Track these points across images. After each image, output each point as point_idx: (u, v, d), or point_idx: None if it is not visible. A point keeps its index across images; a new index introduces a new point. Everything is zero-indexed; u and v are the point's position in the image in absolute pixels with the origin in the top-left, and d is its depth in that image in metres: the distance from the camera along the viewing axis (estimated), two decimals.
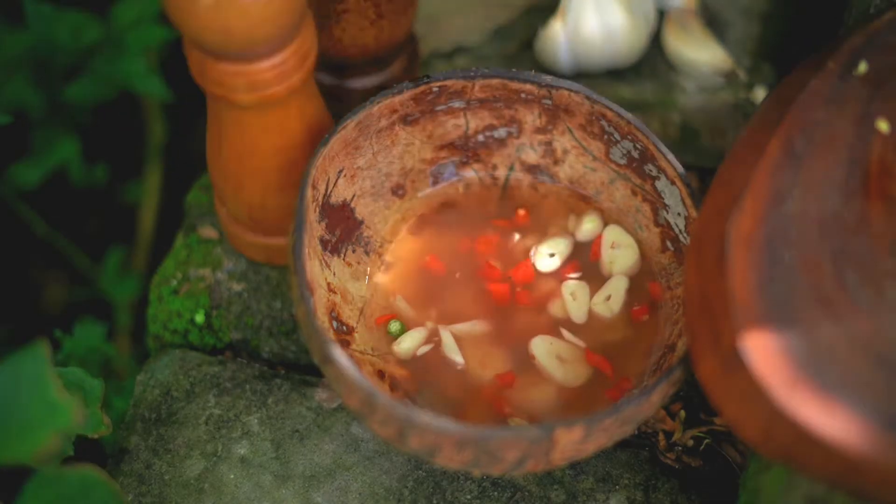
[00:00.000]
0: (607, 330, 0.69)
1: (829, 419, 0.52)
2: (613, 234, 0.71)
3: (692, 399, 0.72)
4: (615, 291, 0.70)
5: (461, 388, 0.67)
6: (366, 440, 0.70)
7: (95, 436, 0.66)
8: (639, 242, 0.71)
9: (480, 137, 0.73)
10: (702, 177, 0.79)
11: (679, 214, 0.68)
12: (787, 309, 0.54)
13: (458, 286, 0.71)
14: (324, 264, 0.67)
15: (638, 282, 0.70)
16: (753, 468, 0.65)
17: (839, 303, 0.55)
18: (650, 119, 0.82)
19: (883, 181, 0.58)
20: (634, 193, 0.71)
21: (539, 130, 0.72)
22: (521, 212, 0.73)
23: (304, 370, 0.76)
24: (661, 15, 0.86)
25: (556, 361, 0.68)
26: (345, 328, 0.67)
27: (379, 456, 0.70)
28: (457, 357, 0.68)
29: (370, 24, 0.73)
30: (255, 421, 0.71)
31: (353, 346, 0.67)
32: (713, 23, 0.86)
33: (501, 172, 0.74)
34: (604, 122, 0.70)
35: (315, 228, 0.67)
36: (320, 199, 0.67)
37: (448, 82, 0.70)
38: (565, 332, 0.69)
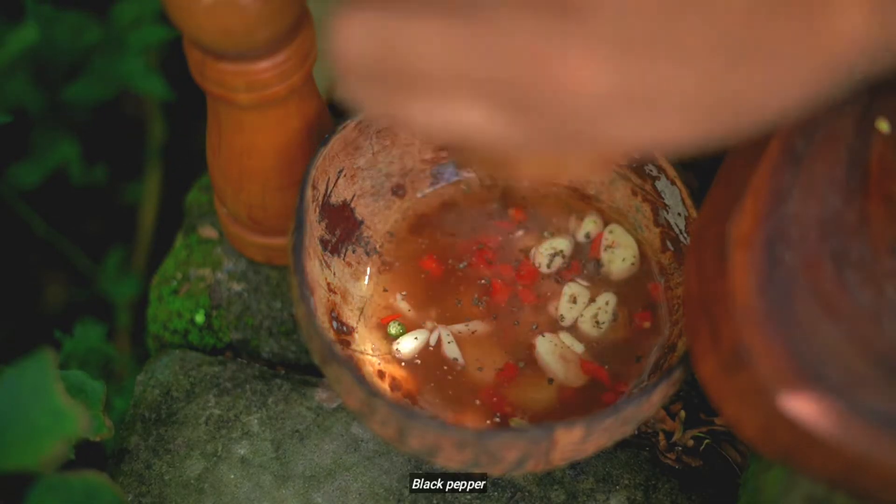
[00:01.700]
0: (607, 332, 0.69)
1: (828, 419, 0.52)
2: (613, 234, 0.71)
3: (692, 399, 0.72)
4: (613, 296, 0.69)
5: (461, 388, 0.67)
6: (366, 440, 0.70)
7: (97, 438, 0.66)
8: (639, 242, 0.71)
9: None
10: (702, 177, 0.79)
11: (679, 214, 0.68)
12: (788, 309, 0.54)
13: (458, 286, 0.71)
14: (324, 264, 0.67)
15: (638, 282, 0.70)
16: (753, 468, 0.65)
17: (839, 303, 0.55)
18: None
19: (883, 181, 0.58)
20: (634, 193, 0.71)
21: None
22: (521, 212, 0.73)
23: (304, 370, 0.76)
24: None
25: (560, 361, 0.67)
26: (345, 328, 0.67)
27: (379, 456, 0.70)
28: (457, 357, 0.68)
29: None
30: (255, 421, 0.71)
31: (353, 347, 0.67)
32: None
33: None
34: None
35: (315, 228, 0.67)
36: (320, 199, 0.67)
37: None
38: (564, 335, 0.69)
